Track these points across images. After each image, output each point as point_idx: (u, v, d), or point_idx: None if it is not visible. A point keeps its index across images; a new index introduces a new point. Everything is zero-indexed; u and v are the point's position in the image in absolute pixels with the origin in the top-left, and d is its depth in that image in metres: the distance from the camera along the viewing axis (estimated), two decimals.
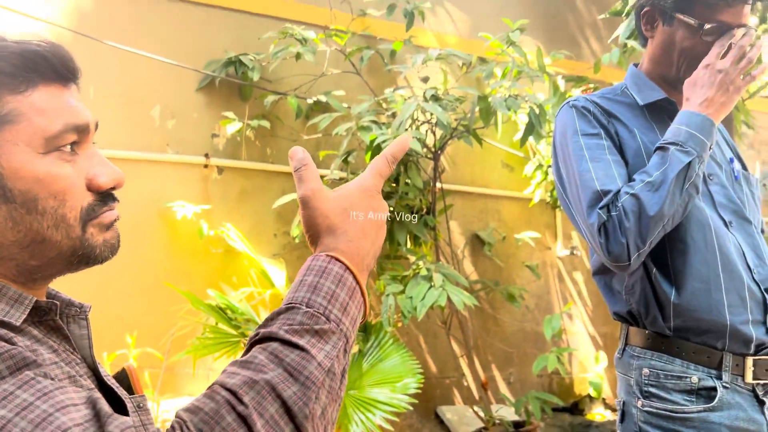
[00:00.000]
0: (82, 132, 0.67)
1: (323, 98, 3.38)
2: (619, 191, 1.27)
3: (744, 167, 1.48)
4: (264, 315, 2.91)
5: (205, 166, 3.28)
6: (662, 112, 1.40)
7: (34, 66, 0.64)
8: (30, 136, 0.63)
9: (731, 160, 1.45)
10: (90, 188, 0.68)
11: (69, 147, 0.66)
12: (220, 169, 3.32)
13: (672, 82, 1.40)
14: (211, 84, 3.32)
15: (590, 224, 1.28)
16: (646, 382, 1.31)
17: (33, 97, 0.64)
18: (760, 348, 1.30)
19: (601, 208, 1.26)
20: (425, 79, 3.06)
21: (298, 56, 3.16)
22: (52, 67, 0.66)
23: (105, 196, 0.69)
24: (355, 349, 2.68)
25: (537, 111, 3.03)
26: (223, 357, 2.65)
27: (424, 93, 2.97)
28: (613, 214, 1.25)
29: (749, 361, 1.28)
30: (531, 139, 3.11)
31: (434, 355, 3.63)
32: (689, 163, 1.24)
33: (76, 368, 0.66)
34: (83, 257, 0.68)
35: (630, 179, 1.31)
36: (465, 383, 3.64)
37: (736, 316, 1.28)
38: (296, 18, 3.51)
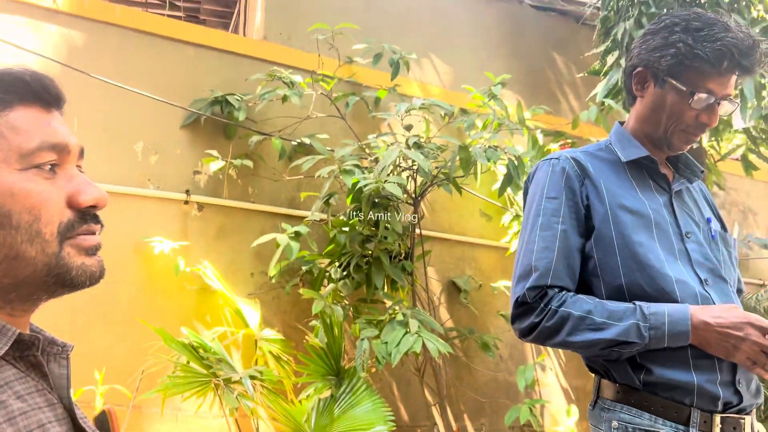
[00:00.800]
0: (61, 152, 0.67)
1: (307, 141, 3.42)
2: (564, 288, 1.33)
3: (723, 227, 1.52)
4: (236, 355, 2.87)
5: (186, 202, 3.28)
6: (643, 169, 1.45)
7: (13, 88, 0.66)
8: (5, 152, 0.63)
9: (709, 220, 1.48)
10: (70, 205, 0.67)
11: (49, 167, 0.66)
12: (201, 206, 3.32)
13: (656, 142, 1.44)
14: (195, 122, 3.34)
15: (514, 292, 1.36)
16: None
17: (9, 116, 0.65)
18: (727, 406, 1.32)
19: (529, 289, 1.32)
20: (408, 127, 3.12)
21: (284, 99, 3.20)
22: (31, 90, 0.67)
23: (85, 215, 0.68)
24: (327, 393, 2.65)
25: (515, 163, 3.10)
26: (192, 397, 2.60)
27: (407, 140, 3.03)
28: (542, 305, 1.32)
29: (717, 418, 1.30)
30: (509, 189, 3.17)
31: (406, 402, 3.60)
32: (633, 343, 1.27)
33: (48, 414, 0.64)
34: (59, 278, 0.66)
35: (584, 249, 1.36)
36: None
37: (704, 375, 1.29)
38: (284, 61, 3.58)
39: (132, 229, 3.12)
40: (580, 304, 1.30)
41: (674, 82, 1.37)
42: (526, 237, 1.39)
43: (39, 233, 0.64)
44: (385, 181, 2.74)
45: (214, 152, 3.29)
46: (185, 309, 3.13)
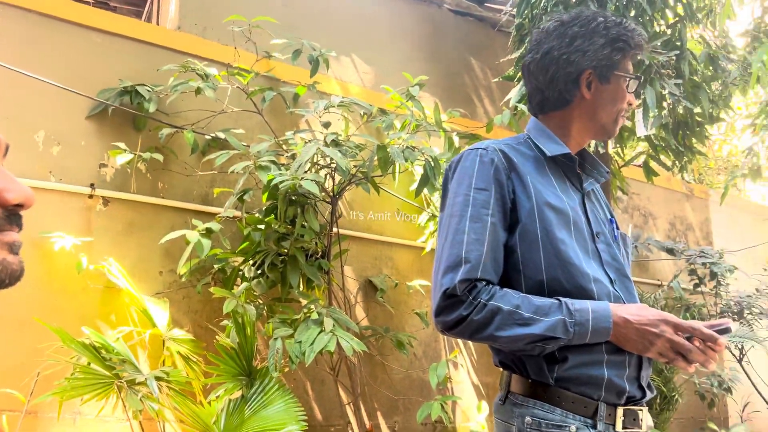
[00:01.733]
0: None
1: (222, 135, 3.33)
2: (491, 282, 1.32)
3: (618, 228, 1.58)
4: (142, 356, 2.75)
5: (90, 196, 3.12)
6: (560, 167, 1.48)
7: None
8: None
9: (611, 221, 1.54)
10: None
11: None
12: (106, 201, 3.16)
13: (601, 133, 1.50)
14: (102, 112, 3.18)
15: (441, 283, 1.31)
16: (528, 430, 1.34)
17: None
18: (630, 399, 1.37)
19: (460, 281, 1.29)
20: (326, 124, 3.10)
21: (198, 91, 3.10)
22: None
23: (11, 214, 0.66)
24: (237, 394, 2.59)
25: (432, 164, 3.13)
26: (93, 400, 2.47)
27: (325, 138, 3.00)
28: (470, 297, 1.29)
29: (620, 410, 1.35)
30: (425, 190, 3.21)
31: (320, 402, 3.56)
32: (559, 339, 1.28)
33: None
34: None
35: (507, 243, 1.36)
36: (350, 431, 3.59)
37: (614, 371, 1.33)
38: (198, 53, 3.47)
39: (31, 223, 2.93)
40: (508, 299, 1.30)
41: (620, 73, 1.45)
42: (454, 226, 1.35)
43: None
44: (302, 178, 2.70)
45: (122, 145, 3.14)
46: (88, 308, 2.97)
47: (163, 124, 3.29)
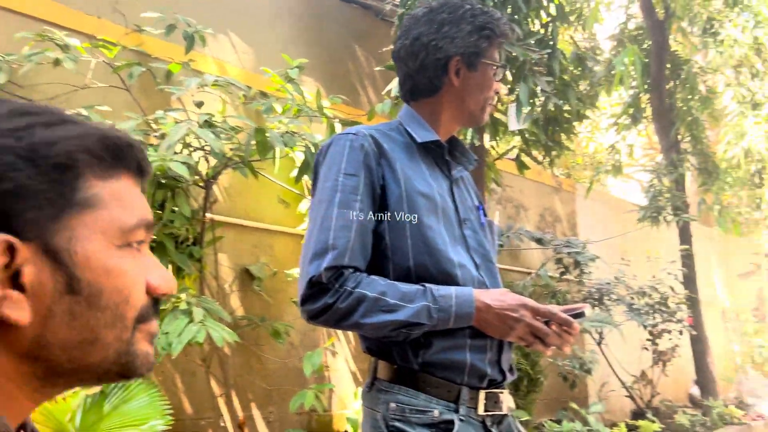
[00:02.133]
0: (149, 230, 0.63)
1: (84, 112, 3.09)
2: (359, 269, 1.31)
3: (485, 215, 1.62)
4: None
5: None
6: (430, 153, 1.49)
7: (122, 154, 0.60)
8: (107, 225, 0.58)
9: (479, 208, 1.58)
10: (149, 291, 0.62)
11: (136, 244, 0.61)
12: None
13: (470, 121, 1.51)
14: None
15: (307, 271, 1.29)
16: (392, 416, 1.34)
17: (115, 186, 0.59)
18: (491, 383, 1.41)
19: (326, 269, 1.27)
20: (199, 104, 2.96)
21: (56, 62, 2.85)
22: (136, 160, 0.62)
23: (156, 303, 0.64)
24: (96, 389, 2.41)
25: (313, 150, 3.08)
26: None
27: (198, 118, 2.86)
28: (336, 285, 1.28)
29: (482, 394, 1.38)
30: (306, 176, 3.15)
31: (190, 394, 3.42)
32: (423, 324, 1.29)
33: None
34: (123, 367, 0.60)
35: (376, 230, 1.35)
36: (222, 423, 3.48)
37: (476, 355, 1.36)
38: (58, 21, 3.19)
39: None
40: (374, 286, 1.29)
41: (486, 61, 1.46)
42: (322, 212, 1.33)
43: (122, 318, 0.59)
44: (172, 159, 2.56)
45: None
46: None
47: (16, 96, 3.00)
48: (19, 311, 0.53)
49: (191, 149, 3.01)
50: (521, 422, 4.00)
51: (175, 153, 2.71)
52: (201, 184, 3.17)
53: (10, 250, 0.53)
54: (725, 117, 7.68)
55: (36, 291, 0.54)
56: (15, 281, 0.54)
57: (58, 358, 0.57)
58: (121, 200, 0.60)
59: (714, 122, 7.75)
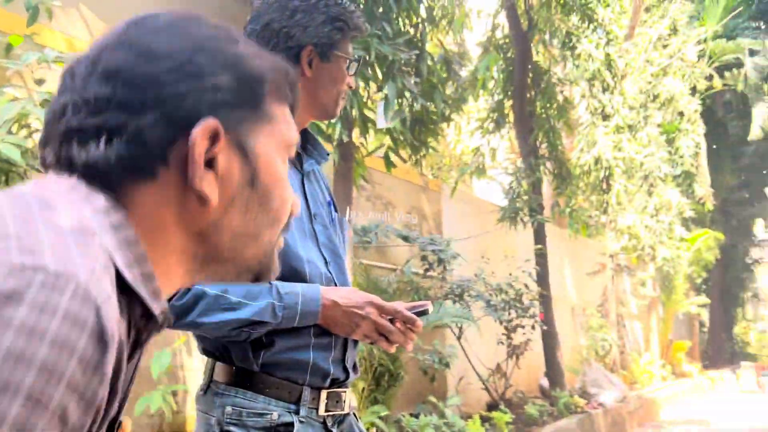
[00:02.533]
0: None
1: None
2: None
3: (336, 210, 1.59)
4: None
5: None
6: None
7: (293, 89, 0.69)
8: (280, 138, 0.66)
9: (329, 203, 1.55)
10: None
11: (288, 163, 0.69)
12: None
13: (323, 114, 1.47)
14: None
15: None
16: (228, 420, 1.28)
17: (285, 110, 0.68)
18: (334, 382, 1.38)
19: None
20: (39, 82, 2.70)
21: None
22: (293, 91, 0.70)
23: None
24: None
25: None
26: None
27: (39, 97, 2.61)
28: None
29: (323, 394, 1.36)
30: None
31: None
32: (266, 323, 1.25)
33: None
34: (262, 266, 0.67)
35: None
36: None
37: (320, 354, 1.34)
38: None
39: None
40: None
41: (339, 53, 1.42)
42: None
43: (279, 223, 0.66)
44: (2, 140, 2.31)
45: None
46: None
47: None
48: (214, 191, 0.59)
49: (32, 129, 2.74)
50: (380, 417, 4.05)
51: (9, 134, 2.45)
52: (42, 170, 2.90)
53: (213, 138, 0.58)
54: (579, 126, 8.25)
55: (225, 178, 0.60)
56: (209, 166, 0.59)
57: (225, 244, 0.62)
58: (288, 122, 0.68)
59: (569, 131, 8.29)
